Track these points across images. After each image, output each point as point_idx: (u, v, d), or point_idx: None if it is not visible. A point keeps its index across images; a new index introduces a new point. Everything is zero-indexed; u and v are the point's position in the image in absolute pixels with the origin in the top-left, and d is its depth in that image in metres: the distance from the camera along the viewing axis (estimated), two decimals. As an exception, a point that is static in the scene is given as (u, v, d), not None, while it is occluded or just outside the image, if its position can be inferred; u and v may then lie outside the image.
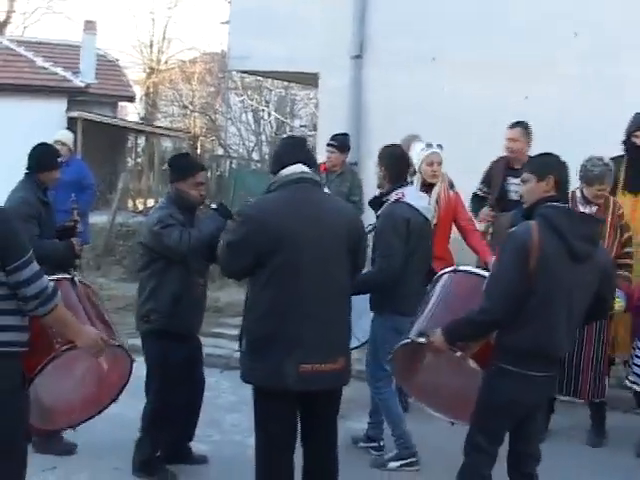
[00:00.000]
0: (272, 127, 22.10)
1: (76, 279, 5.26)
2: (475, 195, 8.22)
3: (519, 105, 10.01)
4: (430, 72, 10.62)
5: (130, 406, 7.42)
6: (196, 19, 57.30)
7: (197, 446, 6.57)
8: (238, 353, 8.13)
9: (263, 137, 21.64)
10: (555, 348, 4.73)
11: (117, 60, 27.49)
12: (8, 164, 12.77)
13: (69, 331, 4.56)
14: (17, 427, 4.34)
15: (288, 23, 11.34)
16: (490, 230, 7.88)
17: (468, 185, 8.33)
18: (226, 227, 5.59)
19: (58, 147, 10.27)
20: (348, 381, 5.09)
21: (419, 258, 6.26)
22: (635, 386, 6.97)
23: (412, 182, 7.02)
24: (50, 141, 10.59)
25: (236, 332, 9.03)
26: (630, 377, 6.99)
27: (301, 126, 22.99)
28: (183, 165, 6.17)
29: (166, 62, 34.41)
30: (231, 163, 21.58)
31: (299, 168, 4.95)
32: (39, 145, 6.85)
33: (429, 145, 7.23)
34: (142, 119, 30.20)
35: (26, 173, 6.69)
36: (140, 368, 8.60)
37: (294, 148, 5.11)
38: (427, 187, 7.18)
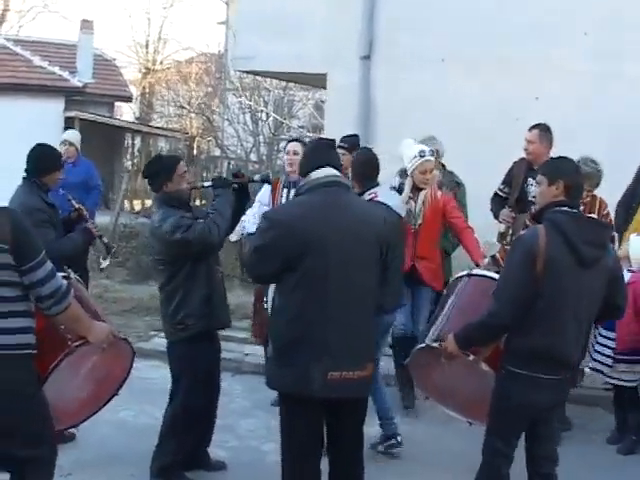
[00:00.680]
0: (270, 128, 21.93)
1: (72, 275, 5.20)
2: (496, 195, 8.15)
3: (528, 104, 9.96)
4: (439, 71, 10.55)
5: (144, 412, 7.39)
6: (192, 19, 57.20)
7: (214, 451, 6.46)
8: (248, 357, 8.12)
9: (261, 138, 21.46)
10: (563, 352, 4.72)
11: (114, 60, 27.36)
12: (5, 163, 12.69)
13: (81, 327, 4.62)
14: (44, 424, 4.47)
15: (295, 23, 11.23)
16: (510, 231, 7.77)
17: (475, 184, 8.34)
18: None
19: (65, 147, 10.23)
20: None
21: (397, 253, 6.23)
22: (601, 375, 7.12)
23: (402, 183, 7.38)
24: (55, 141, 10.53)
25: (245, 335, 9.04)
26: (591, 364, 7.05)
27: (299, 127, 22.87)
28: (163, 166, 5.97)
29: (162, 62, 34.34)
30: (229, 164, 21.43)
31: (329, 171, 4.87)
32: (38, 146, 6.62)
33: (422, 154, 7.30)
34: (137, 119, 30.07)
35: (26, 177, 6.47)
36: (148, 372, 8.62)
37: (323, 150, 5.02)
38: (417, 190, 7.38)
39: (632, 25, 9.91)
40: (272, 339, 4.88)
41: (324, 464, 5.03)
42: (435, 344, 5.11)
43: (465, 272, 5.69)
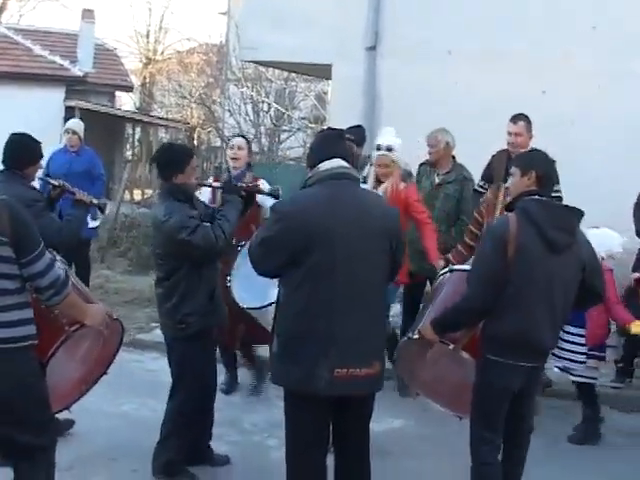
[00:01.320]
0: (272, 119, 21.85)
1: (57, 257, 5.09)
2: (475, 191, 8.06)
3: (536, 99, 9.87)
4: (445, 64, 10.47)
5: (146, 405, 7.31)
6: (193, 9, 57.01)
7: (217, 446, 6.38)
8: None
9: (262, 129, 21.37)
10: (535, 338, 4.86)
11: (115, 49, 27.26)
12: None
13: (78, 312, 4.67)
14: (45, 412, 4.50)
15: (301, 13, 11.15)
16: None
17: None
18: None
19: (69, 136, 10.14)
20: (382, 386, 4.91)
21: None
22: (569, 375, 7.09)
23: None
24: (56, 130, 10.46)
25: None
26: (558, 364, 7.04)
27: (301, 118, 22.78)
28: (177, 157, 5.77)
29: (162, 52, 34.22)
30: (219, 166, 21.32)
31: (337, 163, 4.75)
32: (18, 136, 6.12)
33: (378, 147, 7.50)
34: (138, 109, 29.98)
35: (5, 169, 6.01)
36: (149, 364, 8.56)
37: (332, 141, 4.89)
38: (378, 182, 7.52)
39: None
40: (277, 334, 4.78)
41: (330, 460, 4.95)
42: (415, 335, 5.27)
43: (447, 269, 5.94)
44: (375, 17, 10.85)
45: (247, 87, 21.18)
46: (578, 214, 4.94)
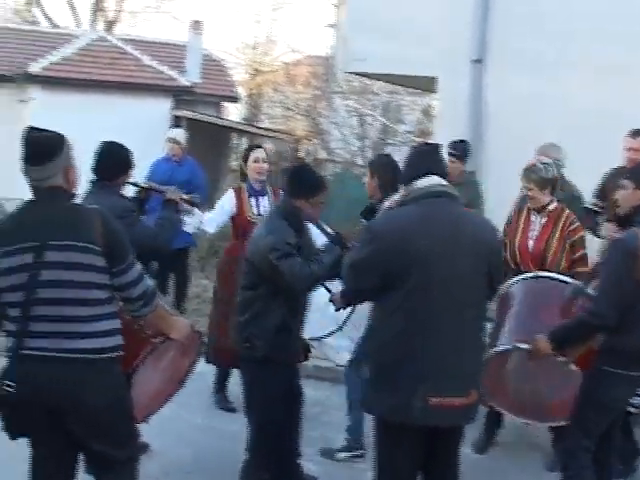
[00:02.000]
0: (377, 132, 21.71)
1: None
2: (586, 209, 7.65)
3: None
4: (553, 75, 10.14)
5: (235, 419, 7.17)
6: (301, 22, 57.44)
7: (308, 466, 6.21)
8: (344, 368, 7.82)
9: (368, 142, 21.26)
10: None
11: (222, 60, 27.45)
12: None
13: (165, 324, 4.63)
14: (131, 425, 4.45)
15: (406, 25, 10.99)
16: None
17: (591, 193, 7.91)
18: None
19: (171, 145, 10.14)
20: (477, 416, 4.70)
21: None
22: None
23: None
24: (163, 140, 10.45)
25: (342, 342, 8.76)
26: None
27: (407, 132, 22.59)
28: (310, 182, 5.57)
29: (270, 64, 34.40)
30: (334, 167, 21.29)
31: (435, 180, 4.52)
32: (107, 144, 5.98)
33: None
34: (244, 120, 30.16)
35: (97, 180, 5.84)
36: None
37: (427, 157, 4.65)
38: None
39: None
40: (370, 360, 4.58)
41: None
42: (524, 345, 5.14)
43: (530, 274, 5.93)
44: (482, 29, 10.61)
45: (353, 100, 21.11)
46: None
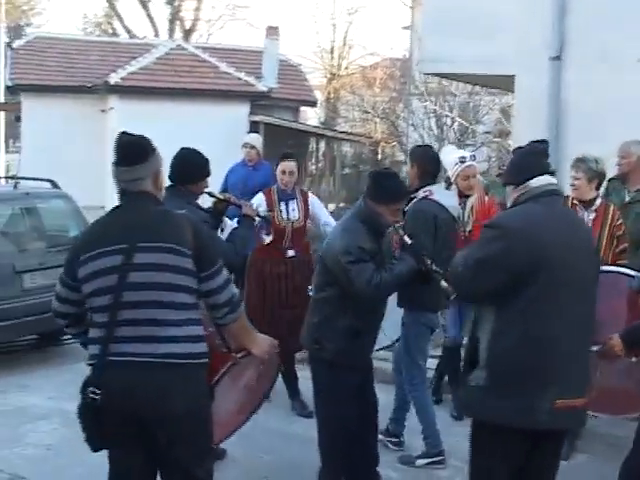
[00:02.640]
0: (455, 133, 21.52)
1: None
2: None
3: None
4: (635, 72, 9.86)
5: (309, 424, 7.12)
6: (377, 24, 57.30)
7: (387, 473, 6.13)
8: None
9: (446, 143, 21.08)
10: None
11: (299, 65, 27.51)
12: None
13: (247, 338, 4.50)
14: (210, 437, 4.30)
15: (482, 24, 10.73)
16: None
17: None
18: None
19: (247, 150, 10.17)
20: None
21: (446, 255, 5.72)
22: None
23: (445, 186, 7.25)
24: (240, 144, 10.45)
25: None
26: None
27: (485, 132, 22.35)
28: (392, 189, 5.48)
29: (347, 67, 34.42)
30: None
31: (548, 179, 4.41)
32: (185, 151, 5.94)
33: (463, 159, 7.32)
34: (322, 124, 30.20)
35: (171, 186, 5.77)
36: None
37: (540, 157, 4.54)
38: (464, 196, 7.39)
39: None
40: (490, 366, 4.29)
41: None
42: (594, 348, 4.84)
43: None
44: (560, 26, 10.34)
45: (430, 101, 20.96)
46: None
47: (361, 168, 26.18)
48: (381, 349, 6.67)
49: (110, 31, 36.26)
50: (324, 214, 7.96)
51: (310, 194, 8.01)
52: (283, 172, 7.66)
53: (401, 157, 23.59)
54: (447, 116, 21.44)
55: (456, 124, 21.61)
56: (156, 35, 34.69)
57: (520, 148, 4.73)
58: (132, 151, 4.22)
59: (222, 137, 18.81)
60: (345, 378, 5.47)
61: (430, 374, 7.78)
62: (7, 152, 28.20)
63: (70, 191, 10.24)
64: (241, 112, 22.18)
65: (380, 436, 6.46)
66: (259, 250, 7.60)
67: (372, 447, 5.90)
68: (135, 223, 4.13)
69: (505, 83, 11.79)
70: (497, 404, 4.24)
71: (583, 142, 9.75)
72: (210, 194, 6.17)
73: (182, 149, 5.98)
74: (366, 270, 5.26)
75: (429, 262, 5.53)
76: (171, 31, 35.13)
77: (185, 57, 23.21)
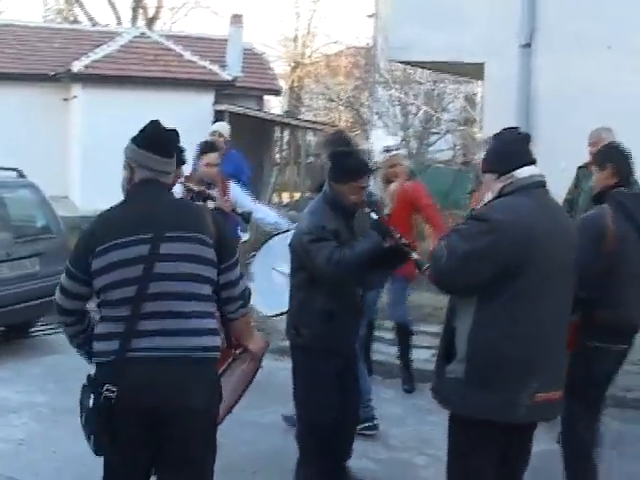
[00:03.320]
0: (420, 121, 21.53)
1: None
2: None
3: None
4: (605, 60, 9.88)
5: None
6: (341, 13, 57.22)
7: (362, 464, 6.12)
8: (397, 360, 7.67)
9: (411, 131, 21.09)
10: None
11: (263, 54, 27.37)
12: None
13: (249, 334, 4.42)
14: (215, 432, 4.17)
15: (451, 11, 10.77)
16: None
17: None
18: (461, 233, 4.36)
19: (215, 138, 10.00)
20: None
21: None
22: None
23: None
24: (206, 135, 10.32)
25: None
26: None
27: (451, 120, 22.39)
28: (349, 167, 5.37)
29: (310, 56, 34.34)
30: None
31: (534, 170, 4.29)
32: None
33: (387, 148, 7.66)
34: (286, 113, 30.11)
35: None
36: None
37: (525, 145, 4.38)
38: (387, 182, 7.67)
39: None
40: (471, 359, 4.19)
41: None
42: None
43: None
44: (530, 13, 10.36)
45: (395, 89, 20.94)
46: None
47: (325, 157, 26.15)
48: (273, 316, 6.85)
49: (71, 19, 35.86)
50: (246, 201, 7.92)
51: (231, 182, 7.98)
52: (206, 165, 7.40)
53: (366, 145, 23.55)
54: (412, 104, 21.44)
55: (421, 112, 21.62)
56: (119, 23, 34.35)
57: (500, 135, 4.50)
58: (170, 143, 4.12)
59: (187, 126, 18.55)
60: (323, 364, 5.37)
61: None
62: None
63: (32, 181, 10.07)
64: (206, 101, 22.04)
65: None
66: None
67: (348, 439, 5.81)
68: (159, 212, 3.99)
69: (474, 71, 11.80)
70: (477, 399, 4.16)
71: (552, 130, 9.79)
72: (185, 186, 6.05)
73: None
74: (326, 248, 5.15)
75: (397, 236, 5.32)
76: (134, 19, 34.78)
77: (149, 45, 22.98)
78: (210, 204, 6.21)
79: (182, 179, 6.14)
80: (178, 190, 6.10)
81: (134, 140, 4.08)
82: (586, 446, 5.36)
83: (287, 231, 6.77)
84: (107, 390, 3.80)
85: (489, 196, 4.44)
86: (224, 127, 10.44)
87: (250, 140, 21.34)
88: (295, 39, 34.61)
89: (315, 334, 5.36)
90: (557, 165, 7.28)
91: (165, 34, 25.86)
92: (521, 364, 4.13)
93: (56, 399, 7.51)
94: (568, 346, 4.56)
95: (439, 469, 5.76)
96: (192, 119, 19.42)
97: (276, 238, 7.04)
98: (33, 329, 10.07)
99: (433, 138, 22.00)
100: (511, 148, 4.35)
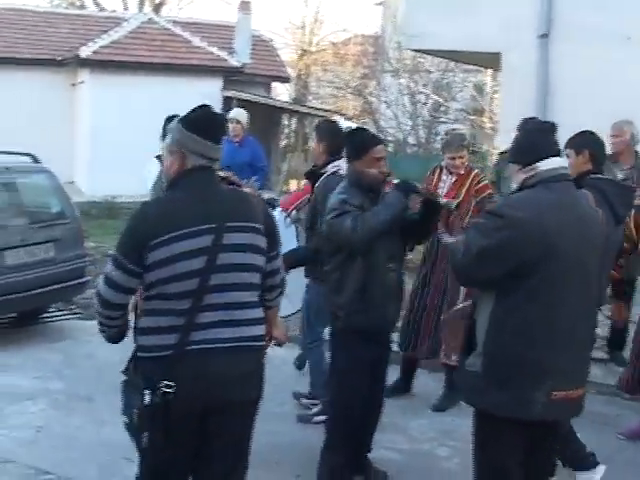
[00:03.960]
0: (429, 110, 21.46)
1: None
2: None
3: None
4: (624, 50, 9.82)
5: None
6: (349, 0, 56.91)
7: (383, 454, 6.05)
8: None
9: (420, 120, 21.02)
10: None
11: (271, 41, 27.27)
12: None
13: (276, 321, 4.44)
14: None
15: (469, 1, 10.68)
16: None
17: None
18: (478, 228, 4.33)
19: (233, 125, 9.92)
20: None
21: None
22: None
23: None
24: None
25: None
26: None
27: (459, 110, 22.32)
28: (356, 142, 5.48)
29: (318, 44, 34.20)
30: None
31: (559, 162, 4.21)
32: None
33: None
34: (293, 100, 30.02)
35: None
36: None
37: (549, 136, 4.27)
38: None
39: None
40: (488, 355, 4.16)
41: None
42: None
43: None
44: (548, 3, 10.29)
45: (404, 78, 20.87)
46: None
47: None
48: (284, 317, 6.62)
49: (78, 3, 35.71)
50: None
51: None
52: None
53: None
54: (421, 93, 21.37)
55: (430, 101, 21.55)
56: (125, 8, 34.19)
57: (524, 124, 4.44)
58: (222, 130, 4.11)
59: (196, 112, 18.58)
60: (360, 349, 5.34)
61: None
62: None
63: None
64: (214, 87, 21.94)
65: (303, 400, 7.03)
66: None
67: (370, 430, 5.77)
68: (218, 202, 3.92)
69: (490, 60, 11.74)
70: (494, 397, 4.12)
71: (570, 120, 9.70)
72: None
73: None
74: (347, 219, 5.17)
75: (421, 189, 5.48)
76: (141, 4, 34.59)
77: (157, 31, 22.90)
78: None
79: None
80: None
81: (185, 125, 3.93)
82: None
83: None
84: (165, 386, 3.71)
85: (513, 187, 4.40)
86: (242, 114, 10.36)
87: (258, 127, 21.22)
88: (303, 27, 34.48)
89: (350, 313, 5.34)
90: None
91: (173, 20, 25.75)
92: (535, 362, 4.07)
93: (72, 386, 7.50)
94: None
95: (461, 461, 5.79)
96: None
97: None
98: (43, 315, 10.02)
99: (442, 127, 21.94)
100: (535, 138, 4.27)
